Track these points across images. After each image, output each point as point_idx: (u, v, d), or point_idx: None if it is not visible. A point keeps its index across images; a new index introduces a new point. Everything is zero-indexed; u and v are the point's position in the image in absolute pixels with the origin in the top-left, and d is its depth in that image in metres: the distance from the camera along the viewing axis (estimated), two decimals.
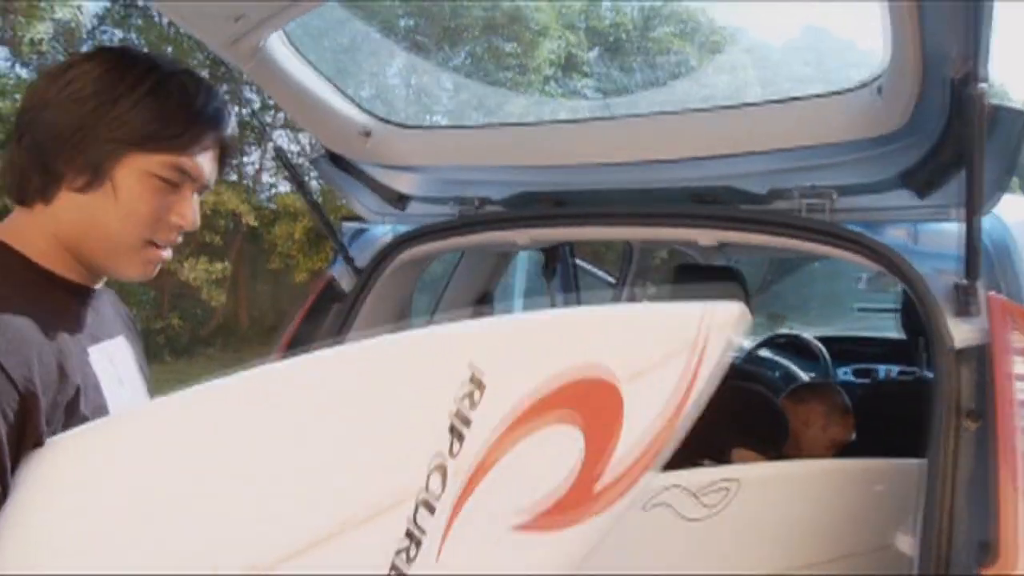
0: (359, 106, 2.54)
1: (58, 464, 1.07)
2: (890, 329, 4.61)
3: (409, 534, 1.15)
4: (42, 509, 1.05)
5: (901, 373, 3.93)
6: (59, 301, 1.24)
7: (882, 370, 4.04)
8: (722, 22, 14.02)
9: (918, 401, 3.08)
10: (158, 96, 1.21)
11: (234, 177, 13.86)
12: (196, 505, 1.04)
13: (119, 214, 1.22)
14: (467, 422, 1.16)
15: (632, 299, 4.16)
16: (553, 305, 4.00)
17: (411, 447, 1.15)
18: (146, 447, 1.06)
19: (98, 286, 1.32)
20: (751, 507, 2.17)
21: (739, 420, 2.78)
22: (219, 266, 12.56)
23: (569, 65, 13.56)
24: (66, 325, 1.22)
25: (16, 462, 1.07)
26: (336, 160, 2.66)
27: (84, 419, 1.17)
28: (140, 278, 1.30)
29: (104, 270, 1.29)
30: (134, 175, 1.22)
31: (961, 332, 1.86)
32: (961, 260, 1.83)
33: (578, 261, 4.14)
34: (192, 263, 12.41)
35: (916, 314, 3.35)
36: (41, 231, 1.24)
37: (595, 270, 4.51)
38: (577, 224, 2.44)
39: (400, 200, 2.73)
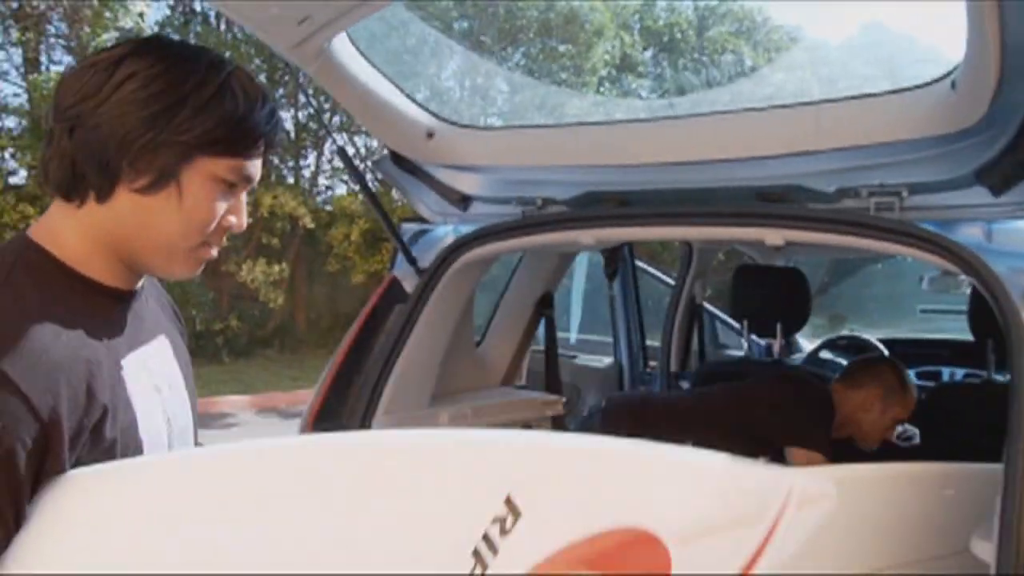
0: (422, 107, 2.55)
1: (74, 498, 1.07)
2: (955, 331, 4.52)
3: None
4: (55, 541, 1.05)
5: (967, 376, 3.85)
6: (97, 309, 1.21)
7: (947, 373, 3.96)
8: (779, 21, 13.88)
9: (986, 404, 3.04)
10: (224, 99, 1.19)
11: (291, 180, 14.03)
12: (195, 561, 1.02)
13: (182, 216, 1.21)
14: (494, 549, 1.07)
15: (691, 300, 4.13)
16: (612, 307, 4.01)
17: (430, 560, 1.06)
18: (165, 495, 1.06)
19: (139, 285, 1.30)
20: (815, 511, 2.13)
21: (782, 411, 2.77)
22: (277, 268, 12.70)
23: (624, 66, 13.52)
24: (101, 336, 1.19)
25: (36, 488, 1.08)
26: (399, 161, 2.67)
27: (111, 441, 1.16)
28: (186, 277, 1.29)
29: (152, 270, 1.28)
30: (200, 178, 1.20)
31: None
32: None
33: (637, 262, 4.14)
34: (250, 265, 12.57)
35: (985, 315, 3.30)
36: (82, 231, 1.21)
37: (655, 271, 4.50)
38: (643, 224, 2.43)
39: (463, 201, 2.74)
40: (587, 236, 2.50)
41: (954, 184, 2.07)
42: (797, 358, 4.49)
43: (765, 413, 2.81)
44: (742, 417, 2.84)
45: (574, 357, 4.14)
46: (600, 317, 4.29)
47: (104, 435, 1.15)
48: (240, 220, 1.28)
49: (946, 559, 2.23)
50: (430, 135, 2.54)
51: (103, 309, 1.23)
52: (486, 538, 1.05)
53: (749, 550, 1.32)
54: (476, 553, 1.06)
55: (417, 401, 2.68)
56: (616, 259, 3.82)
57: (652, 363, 4.11)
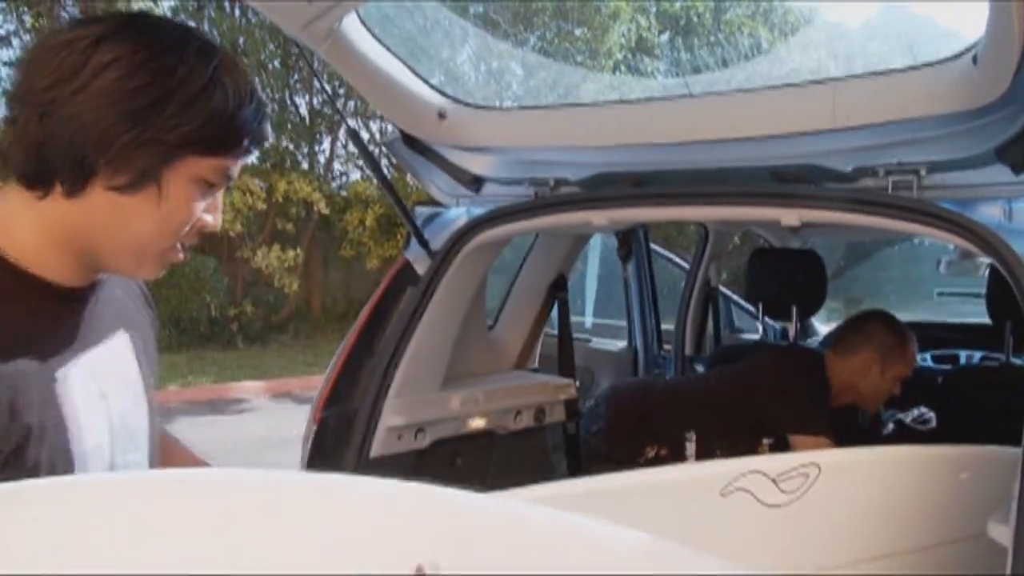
0: (434, 87, 2.53)
1: None
2: (972, 315, 4.48)
3: None
4: None
5: (984, 359, 3.82)
6: (42, 310, 1.12)
7: (964, 356, 3.92)
8: (796, 3, 13.76)
9: (1003, 387, 3.01)
10: (213, 94, 1.10)
11: (306, 166, 14.04)
12: None
13: (159, 217, 1.12)
14: None
15: (707, 283, 4.10)
16: (627, 290, 3.99)
17: None
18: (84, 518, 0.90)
19: (97, 278, 1.20)
20: (832, 493, 2.12)
21: (781, 397, 2.73)
22: (291, 254, 12.73)
23: (640, 48, 13.44)
24: (41, 343, 1.10)
25: None
26: (411, 142, 2.65)
27: (35, 463, 1.05)
28: (149, 278, 1.22)
29: (115, 270, 1.19)
30: (182, 179, 1.11)
31: None
32: None
33: (652, 246, 4.11)
34: (265, 251, 12.60)
35: (1003, 298, 3.26)
36: (40, 225, 1.11)
37: (669, 255, 4.47)
38: (657, 204, 2.40)
39: (475, 182, 2.72)
40: (600, 217, 2.47)
41: (974, 162, 2.04)
42: (812, 342, 4.45)
43: (765, 400, 2.76)
44: (742, 404, 2.80)
45: (588, 341, 4.13)
46: (616, 301, 4.27)
47: (26, 458, 1.05)
48: (216, 220, 1.19)
49: (963, 543, 2.21)
50: (442, 116, 2.52)
51: (49, 310, 1.13)
52: None
53: None
54: None
55: (429, 384, 2.67)
56: (630, 241, 3.79)
57: (667, 347, 4.09)
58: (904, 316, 4.59)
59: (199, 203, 1.15)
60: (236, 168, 1.17)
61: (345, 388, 2.61)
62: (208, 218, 1.18)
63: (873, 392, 2.87)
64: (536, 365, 3.28)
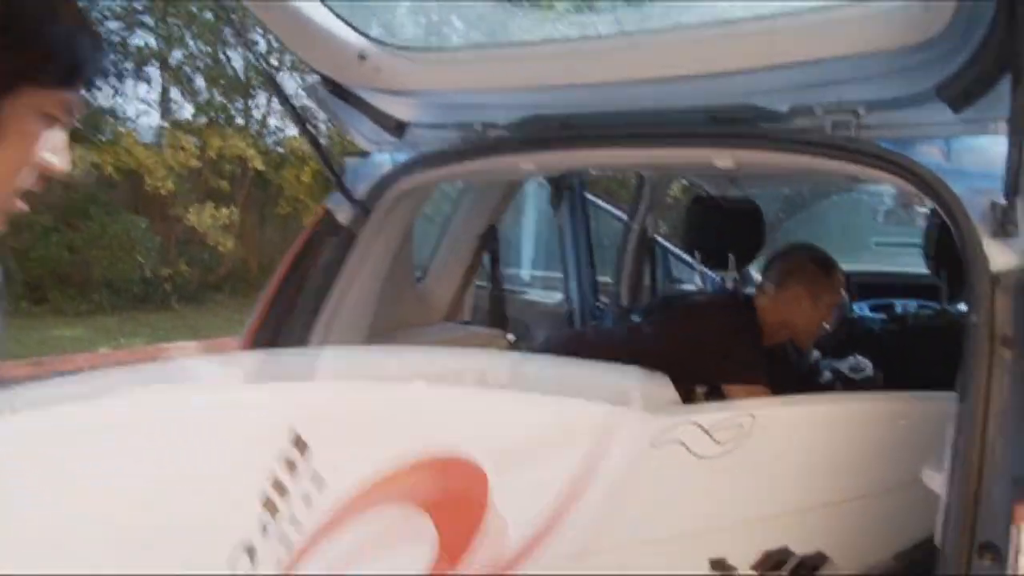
0: (354, 28, 2.40)
1: None
2: (910, 265, 4.49)
3: None
4: None
5: (920, 308, 3.82)
6: None
7: (900, 305, 3.92)
8: None
9: (940, 336, 3.00)
10: (48, 24, 1.04)
11: (241, 121, 13.70)
12: None
13: (3, 158, 1.05)
14: (284, 494, 1.00)
15: (644, 233, 4.03)
16: (562, 241, 3.92)
17: (212, 523, 0.99)
18: None
19: None
20: (767, 444, 2.08)
21: (712, 346, 2.68)
22: (226, 212, 12.46)
23: None
24: None
25: None
26: (331, 87, 2.52)
27: None
28: None
29: None
30: (21, 112, 1.04)
31: (999, 255, 1.74)
32: (999, 178, 1.70)
33: (588, 196, 4.04)
34: (199, 209, 12.31)
35: (940, 246, 3.25)
36: None
37: (605, 204, 4.39)
38: (587, 147, 2.31)
39: (399, 127, 2.60)
40: (528, 162, 2.38)
41: (913, 101, 1.98)
42: (750, 292, 4.43)
43: (696, 350, 2.69)
44: (674, 354, 2.72)
45: (523, 293, 4.05)
46: (555, 253, 4.20)
47: None
48: (62, 161, 1.10)
49: (898, 492, 2.19)
50: (362, 58, 2.40)
51: None
52: (277, 485, 0.98)
53: (575, 473, 1.28)
54: (267, 503, 0.98)
55: (352, 338, 2.57)
56: (562, 188, 3.71)
57: (605, 298, 4.02)
58: (842, 266, 4.61)
59: (39, 140, 1.07)
60: (76, 104, 1.10)
61: (264, 343, 2.49)
62: (53, 159, 1.09)
63: (807, 325, 2.82)
64: (468, 318, 3.20)
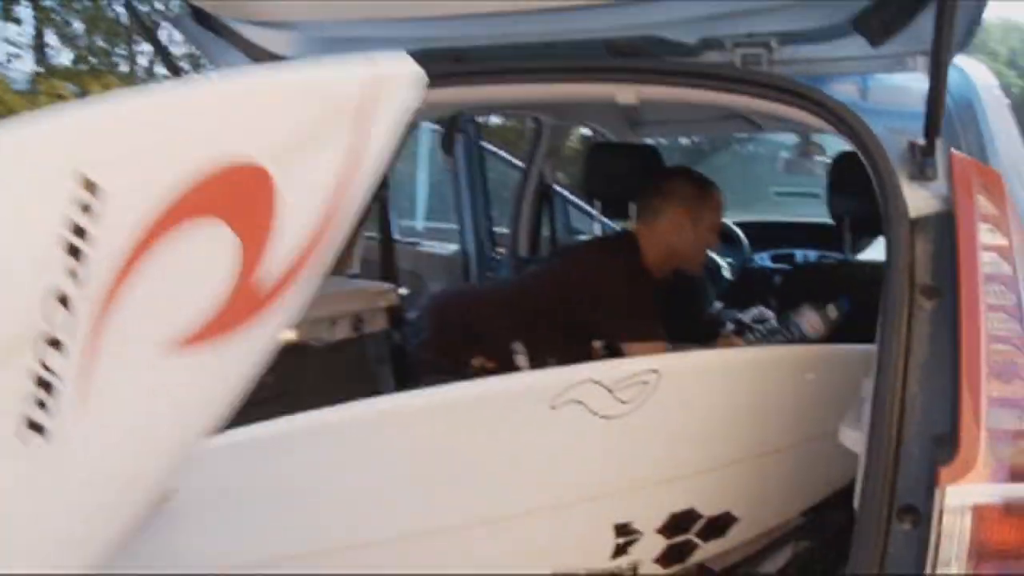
0: None
1: None
2: (810, 215, 4.47)
3: (40, 381, 0.98)
4: None
5: (821, 258, 3.78)
6: None
7: (800, 255, 3.88)
8: None
9: (842, 285, 2.95)
10: None
11: (125, 68, 13.06)
12: None
13: None
14: (84, 236, 0.97)
15: (541, 181, 3.88)
16: (456, 189, 3.74)
17: (15, 279, 0.95)
18: None
19: None
20: (674, 401, 1.96)
21: (602, 300, 2.56)
22: None
23: None
24: None
25: None
26: (201, 18, 2.30)
27: None
28: None
29: None
30: None
31: (918, 198, 1.65)
32: (918, 118, 1.60)
33: (483, 144, 3.87)
34: None
35: (844, 194, 3.19)
36: None
37: (499, 151, 4.22)
38: (478, 82, 2.13)
39: (273, 62, 2.38)
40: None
41: (828, 34, 1.87)
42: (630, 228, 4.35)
43: (587, 306, 2.55)
44: (565, 309, 2.59)
45: (416, 244, 3.87)
46: (451, 203, 4.03)
47: None
48: None
49: (804, 446, 2.12)
50: None
51: None
52: (74, 229, 0.94)
53: (353, 152, 1.25)
54: (70, 248, 0.95)
55: None
56: (454, 132, 3.52)
57: (502, 249, 3.87)
58: (743, 216, 4.57)
59: None
60: None
61: None
62: None
63: (693, 250, 2.72)
64: (356, 271, 3.00)
